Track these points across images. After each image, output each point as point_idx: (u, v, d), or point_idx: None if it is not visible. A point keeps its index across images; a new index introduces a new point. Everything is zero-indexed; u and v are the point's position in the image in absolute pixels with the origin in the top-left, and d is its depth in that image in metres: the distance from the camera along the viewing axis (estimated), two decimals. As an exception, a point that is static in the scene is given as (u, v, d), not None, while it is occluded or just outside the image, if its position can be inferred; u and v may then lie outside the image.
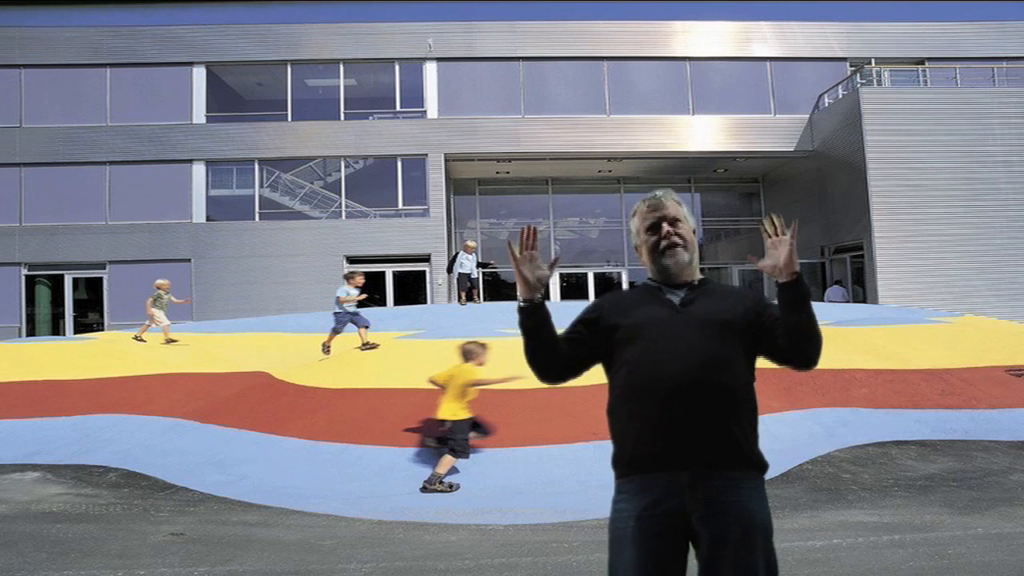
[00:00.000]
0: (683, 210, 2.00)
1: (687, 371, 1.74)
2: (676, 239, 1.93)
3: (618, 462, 1.83)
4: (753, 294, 1.95)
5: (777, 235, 1.81)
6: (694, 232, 2.03)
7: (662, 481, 1.73)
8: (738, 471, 1.74)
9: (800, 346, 1.79)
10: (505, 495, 5.15)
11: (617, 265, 21.20)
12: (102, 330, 17.14)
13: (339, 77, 19.44)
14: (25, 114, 18.82)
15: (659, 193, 2.00)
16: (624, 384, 1.84)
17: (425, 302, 18.22)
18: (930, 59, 19.48)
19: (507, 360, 6.54)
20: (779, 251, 1.79)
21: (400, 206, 19.15)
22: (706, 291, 1.92)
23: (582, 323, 1.97)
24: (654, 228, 1.96)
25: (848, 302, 16.88)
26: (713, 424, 1.73)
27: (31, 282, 18.56)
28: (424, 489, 5.17)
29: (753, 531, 1.69)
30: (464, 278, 12.95)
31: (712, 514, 1.68)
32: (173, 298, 11.20)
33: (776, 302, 1.85)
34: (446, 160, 19.04)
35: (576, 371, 1.95)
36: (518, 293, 1.92)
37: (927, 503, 4.75)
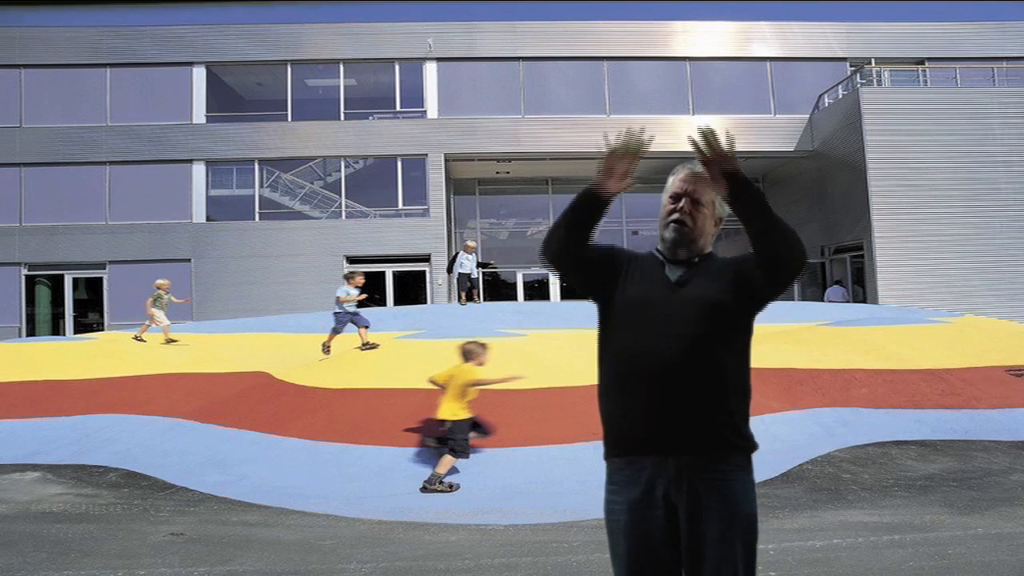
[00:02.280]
0: (713, 195, 1.90)
1: (674, 356, 1.74)
2: (686, 218, 1.88)
3: (606, 442, 1.86)
4: (743, 256, 1.86)
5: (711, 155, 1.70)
6: (719, 221, 1.94)
7: (648, 468, 1.75)
8: (724, 461, 1.75)
9: (773, 247, 1.74)
10: (505, 495, 5.15)
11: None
12: (102, 330, 17.14)
13: (339, 77, 19.44)
14: (25, 114, 18.82)
15: (700, 170, 1.88)
16: (613, 366, 1.85)
17: (425, 302, 18.21)
18: (930, 59, 19.47)
19: (507, 360, 6.55)
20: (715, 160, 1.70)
21: (400, 206, 19.15)
22: (704, 269, 1.87)
23: (604, 253, 1.95)
24: (675, 197, 1.92)
25: (848, 302, 16.88)
26: (699, 409, 1.74)
27: (31, 282, 18.56)
28: (424, 489, 5.17)
29: (735, 524, 1.71)
30: (464, 278, 12.95)
31: (695, 508, 1.71)
32: (173, 298, 11.20)
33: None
34: (446, 160, 19.04)
35: (578, 262, 1.93)
36: (600, 183, 1.86)
37: (927, 503, 4.74)
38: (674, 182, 1.95)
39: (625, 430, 1.80)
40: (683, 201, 1.89)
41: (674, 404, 1.74)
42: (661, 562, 1.73)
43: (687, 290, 1.83)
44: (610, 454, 1.85)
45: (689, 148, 1.81)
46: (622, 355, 1.82)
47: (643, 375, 1.77)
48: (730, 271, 1.86)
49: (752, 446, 1.81)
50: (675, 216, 1.89)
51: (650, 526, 1.73)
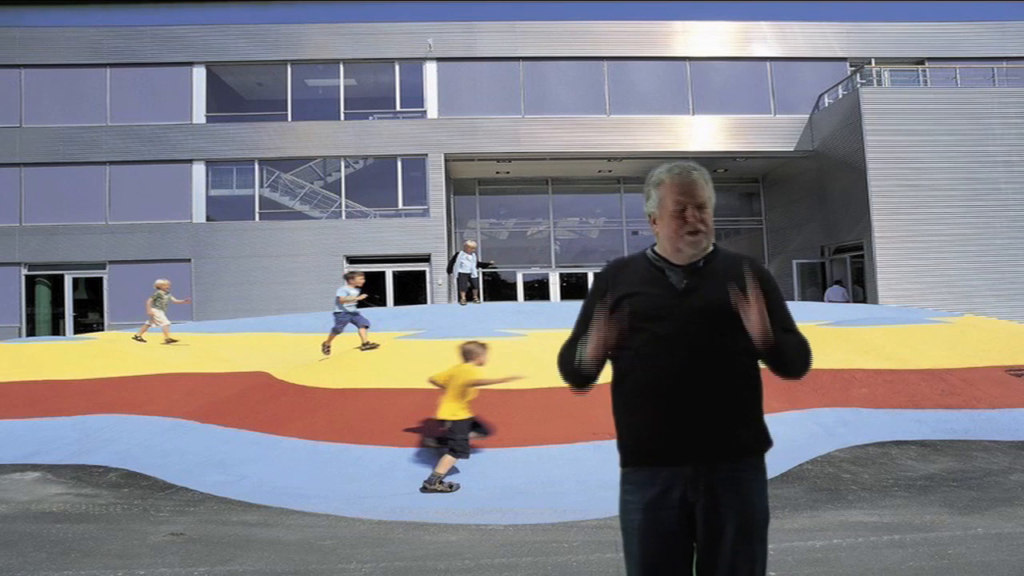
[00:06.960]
0: (709, 190, 1.88)
1: (686, 367, 1.74)
2: (701, 226, 1.83)
3: (621, 451, 1.86)
4: (749, 270, 1.83)
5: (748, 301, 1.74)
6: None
7: (665, 474, 1.75)
8: (740, 462, 1.76)
9: (784, 372, 1.85)
10: (505, 495, 5.14)
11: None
12: (102, 330, 17.14)
13: (339, 77, 19.44)
14: (25, 114, 18.82)
15: (693, 172, 1.86)
16: (625, 378, 1.84)
17: (425, 302, 18.22)
18: (930, 59, 19.47)
19: (507, 360, 6.55)
20: (754, 321, 1.73)
21: (400, 206, 19.15)
22: (709, 272, 1.84)
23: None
24: (679, 209, 1.84)
25: (848, 302, 16.87)
26: (714, 419, 1.74)
27: (31, 282, 18.56)
28: (424, 489, 5.17)
29: (751, 522, 1.73)
30: (464, 278, 12.95)
31: (713, 506, 1.72)
32: (173, 298, 11.20)
33: (773, 296, 1.84)
34: (446, 160, 19.04)
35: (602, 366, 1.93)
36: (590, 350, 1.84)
37: (927, 503, 4.74)
38: (668, 191, 1.86)
39: (644, 441, 1.79)
40: (688, 210, 1.83)
41: (686, 417, 1.74)
42: (674, 562, 1.74)
43: (696, 297, 1.80)
44: (627, 463, 1.84)
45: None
46: (633, 369, 1.81)
47: (653, 390, 1.77)
48: (737, 278, 1.81)
49: (766, 445, 1.82)
50: (689, 228, 1.83)
51: (665, 526, 1.73)
